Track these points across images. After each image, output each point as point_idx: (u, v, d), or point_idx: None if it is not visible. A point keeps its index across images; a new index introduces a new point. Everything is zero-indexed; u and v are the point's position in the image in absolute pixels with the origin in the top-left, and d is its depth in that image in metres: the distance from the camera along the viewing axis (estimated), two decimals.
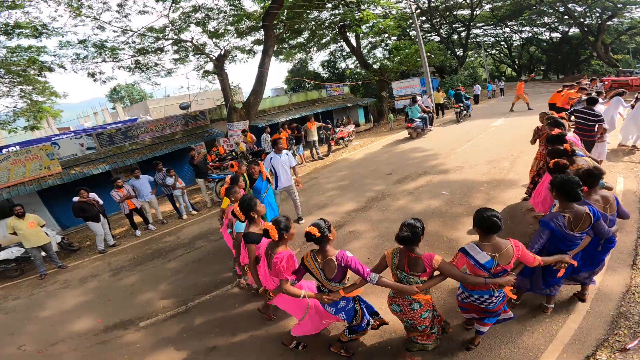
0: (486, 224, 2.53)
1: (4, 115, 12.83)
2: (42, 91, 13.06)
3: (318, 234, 2.68)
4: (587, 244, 2.92)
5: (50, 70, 11.82)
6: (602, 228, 2.84)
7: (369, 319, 3.06)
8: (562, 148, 3.76)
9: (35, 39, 10.95)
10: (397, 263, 2.72)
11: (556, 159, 3.51)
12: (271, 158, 6.08)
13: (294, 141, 12.69)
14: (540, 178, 4.76)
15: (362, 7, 18.48)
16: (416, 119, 13.00)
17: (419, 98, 14.55)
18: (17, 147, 10.56)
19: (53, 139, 11.44)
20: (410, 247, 2.67)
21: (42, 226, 6.93)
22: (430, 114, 14.02)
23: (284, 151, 6.18)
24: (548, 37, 38.52)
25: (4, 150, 10.65)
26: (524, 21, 34.42)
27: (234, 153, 11.82)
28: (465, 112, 15.38)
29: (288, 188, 6.23)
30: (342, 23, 19.34)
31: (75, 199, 7.17)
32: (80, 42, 12.00)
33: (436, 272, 2.66)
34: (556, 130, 4.34)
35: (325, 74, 29.53)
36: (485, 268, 2.53)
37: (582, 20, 29.84)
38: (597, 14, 28.84)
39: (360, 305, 2.99)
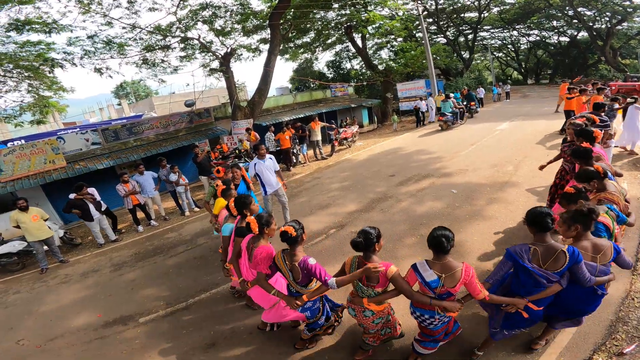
0: (433, 242, 2.50)
1: (9, 109, 12.91)
2: (50, 86, 13.15)
3: (294, 233, 2.77)
4: (553, 292, 2.47)
5: (60, 66, 11.89)
6: (580, 274, 2.37)
7: (328, 314, 3.22)
8: (592, 170, 3.17)
9: (45, 34, 11.01)
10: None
11: (577, 185, 2.97)
12: (255, 164, 6.07)
13: (297, 140, 12.70)
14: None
15: (369, 8, 18.45)
16: (447, 113, 14.36)
17: (451, 95, 16.51)
18: (23, 141, 10.65)
19: (59, 133, 11.53)
20: (367, 254, 2.70)
21: (45, 220, 6.97)
22: (461, 110, 15.27)
23: (267, 156, 6.17)
24: (556, 41, 38.20)
25: (9, 144, 10.74)
26: (532, 24, 34.14)
27: (237, 151, 11.85)
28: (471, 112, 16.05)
29: (277, 191, 6.24)
30: (348, 24, 19.31)
31: (72, 195, 7.17)
32: (89, 37, 12.06)
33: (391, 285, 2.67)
34: (585, 144, 3.78)
35: (330, 74, 29.50)
36: (430, 287, 2.50)
37: (591, 24, 29.56)
38: (607, 18, 28.58)
39: (324, 303, 3.17)
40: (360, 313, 2.82)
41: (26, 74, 12.01)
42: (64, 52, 12.00)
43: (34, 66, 11.58)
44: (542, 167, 5.33)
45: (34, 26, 10.55)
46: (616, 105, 8.23)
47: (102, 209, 7.68)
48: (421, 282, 2.53)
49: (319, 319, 3.14)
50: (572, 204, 2.75)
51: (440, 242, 2.46)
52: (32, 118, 13.88)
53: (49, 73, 12.31)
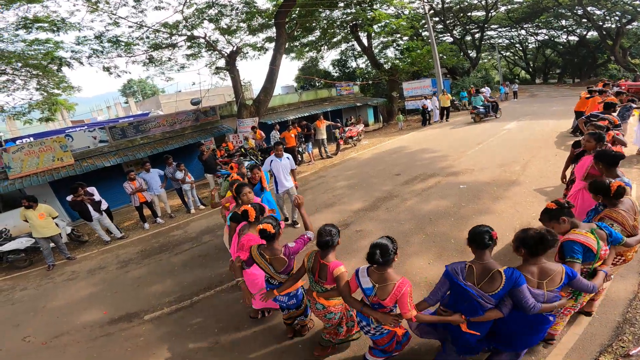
0: (368, 253, 2.45)
1: (18, 107, 13.07)
2: (58, 84, 13.29)
3: (272, 230, 2.91)
4: (492, 318, 2.31)
5: (68, 64, 12.01)
6: (522, 299, 2.17)
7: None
8: (605, 183, 2.78)
9: (53, 33, 11.13)
10: (311, 266, 2.85)
11: (559, 200, 2.63)
12: (271, 161, 6.07)
13: (303, 139, 12.69)
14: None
15: (375, 6, 18.36)
16: (479, 106, 15.23)
17: (483, 90, 17.92)
18: (31, 139, 10.77)
19: (67, 131, 11.64)
20: (324, 252, 2.77)
21: (54, 217, 7.03)
22: (493, 103, 15.79)
23: (285, 155, 6.16)
24: (565, 40, 37.73)
25: (18, 142, 10.88)
26: (540, 24, 33.75)
27: (243, 149, 11.87)
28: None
29: (289, 190, 6.23)
30: (354, 22, 19.23)
31: (69, 197, 7.20)
32: (97, 37, 12.16)
33: None
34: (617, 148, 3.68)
35: (336, 72, 29.42)
36: (365, 294, 2.50)
37: (600, 23, 29.16)
38: (616, 18, 28.16)
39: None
40: (313, 305, 2.94)
41: (34, 72, 12.14)
42: (72, 51, 12.13)
43: (42, 65, 11.71)
44: (564, 178, 4.92)
45: (42, 25, 10.66)
46: (634, 105, 8.07)
47: (103, 208, 7.69)
48: (359, 286, 2.53)
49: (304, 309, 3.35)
50: (553, 221, 2.54)
51: (372, 254, 2.40)
52: (41, 115, 14.05)
53: (57, 71, 12.45)
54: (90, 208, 7.32)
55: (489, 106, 15.41)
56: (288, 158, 6.19)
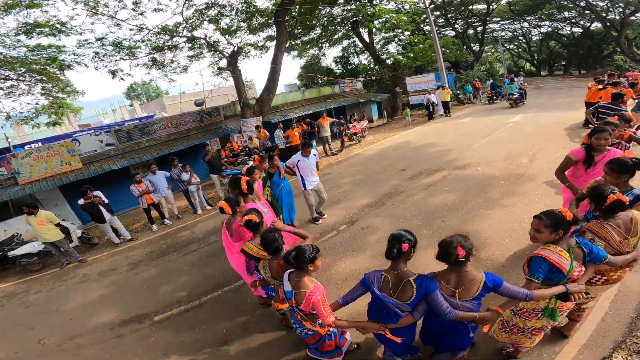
0: (285, 259, 2.54)
1: (25, 112, 13.23)
2: (63, 89, 13.43)
3: (257, 220, 3.17)
4: (407, 323, 2.33)
5: (70, 68, 12.12)
6: (435, 305, 2.20)
7: None
8: (604, 191, 2.42)
9: (54, 37, 11.23)
10: (270, 274, 2.94)
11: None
12: (298, 160, 5.89)
13: (307, 137, 12.70)
14: None
15: (375, 2, 18.26)
16: (515, 93, 16.29)
17: (516, 78, 19.00)
18: (39, 144, 10.91)
19: (74, 135, 11.78)
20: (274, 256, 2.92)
21: (57, 224, 7.06)
22: (524, 91, 17.06)
23: (312, 152, 5.97)
24: (569, 32, 37.18)
25: (26, 147, 11.02)
26: (543, 16, 33.29)
27: (247, 149, 11.91)
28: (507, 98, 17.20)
29: (317, 187, 6.20)
30: (354, 19, 19.15)
31: (81, 201, 7.27)
32: (98, 39, 12.26)
33: None
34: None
35: (338, 69, 29.32)
36: (286, 297, 2.56)
37: (604, 14, 28.69)
38: (620, 9, 27.71)
39: None
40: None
41: (38, 77, 12.28)
42: (74, 54, 12.24)
43: (46, 69, 11.83)
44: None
45: (42, 29, 10.76)
46: None
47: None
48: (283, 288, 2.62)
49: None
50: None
51: (287, 260, 2.51)
52: (48, 120, 14.20)
53: (60, 75, 12.57)
54: (103, 210, 7.41)
55: (522, 93, 16.60)
56: (315, 155, 6.10)
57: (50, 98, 13.35)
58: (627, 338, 2.84)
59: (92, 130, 13.07)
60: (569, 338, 2.93)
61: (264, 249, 2.91)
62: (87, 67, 12.52)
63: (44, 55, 11.55)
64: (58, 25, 10.98)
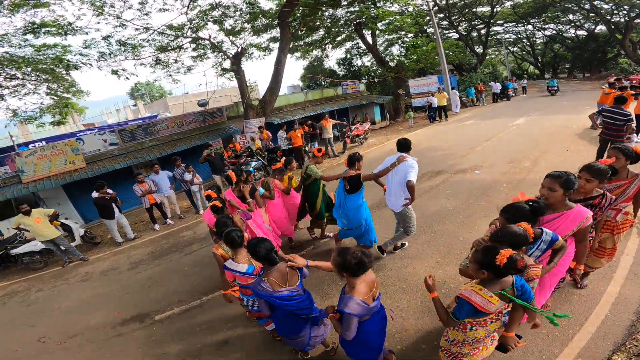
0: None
1: (30, 112, 13.33)
2: (68, 88, 13.53)
3: (219, 205, 4.18)
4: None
5: (76, 67, 12.22)
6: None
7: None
8: (524, 212, 2.34)
9: (61, 37, 11.32)
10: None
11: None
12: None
13: (309, 137, 12.72)
14: None
15: (378, 4, 18.27)
16: (555, 86, 19.93)
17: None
18: (44, 143, 10.99)
19: (78, 134, 11.86)
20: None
21: (51, 216, 7.07)
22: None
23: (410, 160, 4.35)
24: (573, 35, 37.02)
25: (30, 146, 11.10)
26: (547, 18, 33.20)
27: (249, 150, 11.94)
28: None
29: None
30: (357, 20, 19.17)
31: (95, 194, 7.33)
32: (104, 38, 12.36)
33: None
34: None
35: (341, 71, 29.38)
36: (249, 273, 2.96)
37: (609, 17, 28.59)
38: (625, 12, 27.60)
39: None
40: None
41: (44, 77, 12.38)
42: (80, 54, 12.33)
43: (52, 69, 11.92)
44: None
45: (49, 29, 10.85)
46: None
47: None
48: (239, 274, 3.04)
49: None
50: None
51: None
52: (52, 119, 14.30)
53: (65, 75, 12.67)
54: (114, 205, 7.47)
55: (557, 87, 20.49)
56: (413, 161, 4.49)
57: (55, 98, 13.44)
58: (626, 341, 2.84)
59: (96, 130, 13.14)
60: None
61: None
62: (91, 66, 12.61)
63: (50, 55, 11.65)
64: (65, 25, 11.07)
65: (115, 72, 13.26)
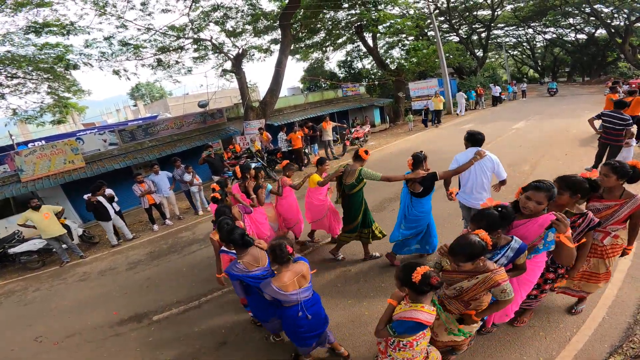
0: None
1: (30, 111, 13.34)
2: (69, 88, 13.54)
3: (219, 196, 4.48)
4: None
5: (76, 67, 12.23)
6: None
7: None
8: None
9: (63, 36, 11.34)
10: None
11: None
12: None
13: (309, 139, 12.72)
14: None
15: (379, 7, 18.35)
16: (554, 88, 20.73)
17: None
18: (43, 142, 10.98)
19: (78, 134, 11.86)
20: None
21: (59, 213, 7.11)
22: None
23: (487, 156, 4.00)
24: (573, 39, 37.18)
25: (30, 145, 11.10)
26: (547, 22, 33.34)
27: (249, 151, 11.95)
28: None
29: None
30: (358, 23, 19.24)
31: (86, 196, 7.28)
32: (106, 39, 12.38)
33: None
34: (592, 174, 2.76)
35: (342, 73, 29.41)
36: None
37: (609, 21, 28.72)
38: (625, 16, 27.73)
39: None
40: None
41: (45, 76, 12.39)
42: (82, 54, 12.35)
43: (53, 68, 11.93)
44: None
45: (51, 29, 10.86)
46: None
47: (116, 210, 7.81)
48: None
49: None
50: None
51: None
52: (53, 118, 14.31)
53: (66, 75, 12.68)
54: (109, 207, 7.38)
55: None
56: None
57: (56, 97, 13.45)
58: (623, 343, 2.86)
59: (96, 130, 13.15)
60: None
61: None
62: (92, 66, 12.63)
63: (52, 54, 11.67)
64: (67, 25, 11.09)
65: (116, 72, 13.29)
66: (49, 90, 13.16)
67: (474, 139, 4.10)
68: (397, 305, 2.26)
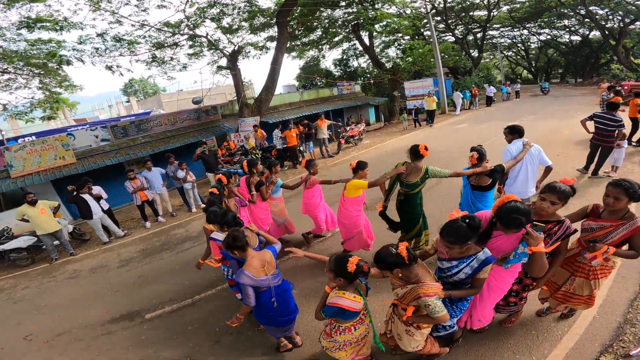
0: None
1: (21, 106, 13.11)
2: (60, 83, 13.33)
3: (217, 192, 4.44)
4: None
5: (69, 63, 12.03)
6: None
7: None
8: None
9: (56, 32, 11.14)
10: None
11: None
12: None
13: (304, 137, 12.69)
14: None
15: (376, 5, 18.33)
16: (546, 87, 21.11)
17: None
18: (34, 137, 10.80)
19: (69, 130, 11.67)
20: None
21: (55, 208, 7.06)
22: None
23: (535, 147, 4.43)
24: (567, 40, 37.58)
25: (20, 140, 10.91)
26: (543, 23, 33.63)
27: (243, 148, 11.89)
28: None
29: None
30: (355, 21, 19.21)
31: (70, 187, 7.27)
32: (99, 35, 12.19)
33: None
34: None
35: (337, 72, 29.36)
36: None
37: (603, 23, 29.04)
38: (619, 18, 28.06)
39: None
40: None
41: (37, 71, 12.17)
42: (75, 50, 12.15)
43: (45, 64, 11.73)
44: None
45: (44, 24, 10.67)
46: None
47: (104, 209, 7.71)
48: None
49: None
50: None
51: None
52: (43, 114, 14.08)
53: (58, 70, 12.48)
54: (93, 206, 7.25)
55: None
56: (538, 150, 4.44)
57: (47, 92, 13.23)
58: (614, 342, 2.89)
59: (88, 125, 12.96)
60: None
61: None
62: (84, 63, 12.44)
63: (44, 50, 11.46)
64: (60, 20, 10.89)
65: (109, 67, 13.11)
66: (40, 86, 12.94)
67: (517, 131, 4.44)
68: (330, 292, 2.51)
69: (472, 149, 3.92)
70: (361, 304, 2.40)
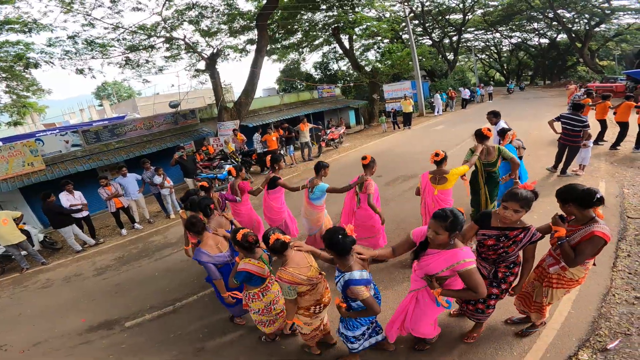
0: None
1: None
2: (28, 87, 12.76)
3: (206, 185, 4.72)
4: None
5: (36, 66, 11.54)
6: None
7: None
8: None
9: (25, 34, 10.67)
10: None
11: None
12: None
13: (284, 140, 12.66)
14: None
15: (356, 9, 18.59)
16: (512, 88, 21.30)
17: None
18: (0, 143, 10.28)
19: (37, 135, 11.17)
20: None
21: (17, 218, 6.70)
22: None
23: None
24: (537, 43, 39.33)
25: None
26: (514, 27, 35.06)
27: (222, 152, 11.74)
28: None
29: None
30: (335, 25, 19.40)
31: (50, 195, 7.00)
32: (70, 37, 11.76)
33: None
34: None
35: (318, 75, 29.52)
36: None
37: (570, 26, 30.51)
38: (585, 20, 29.53)
39: None
40: None
41: (3, 75, 11.62)
42: (43, 52, 11.67)
43: (12, 67, 11.22)
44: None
45: (13, 26, 10.22)
46: None
47: (83, 215, 7.47)
48: None
49: None
50: None
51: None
52: (10, 119, 13.43)
53: (25, 72, 11.96)
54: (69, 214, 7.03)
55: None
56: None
57: (14, 97, 12.64)
58: (590, 337, 2.98)
59: (57, 130, 12.43)
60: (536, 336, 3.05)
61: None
62: (54, 65, 11.97)
63: (11, 53, 10.95)
64: (30, 22, 10.43)
65: (80, 71, 12.67)
66: (7, 90, 12.35)
67: (499, 114, 6.74)
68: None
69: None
70: (265, 269, 2.95)
